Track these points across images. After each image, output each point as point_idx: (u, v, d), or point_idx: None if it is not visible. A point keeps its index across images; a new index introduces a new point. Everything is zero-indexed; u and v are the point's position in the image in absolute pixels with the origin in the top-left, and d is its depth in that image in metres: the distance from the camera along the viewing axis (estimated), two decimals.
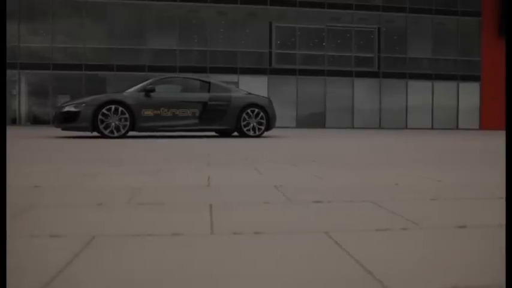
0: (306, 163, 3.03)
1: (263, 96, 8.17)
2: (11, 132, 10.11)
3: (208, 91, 7.59)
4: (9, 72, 20.71)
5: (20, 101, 21.71)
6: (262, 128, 7.69)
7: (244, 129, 7.57)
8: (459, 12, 23.92)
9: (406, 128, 23.64)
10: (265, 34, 22.87)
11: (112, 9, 22.01)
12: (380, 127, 23.51)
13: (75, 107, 6.77)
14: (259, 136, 7.72)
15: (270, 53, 22.84)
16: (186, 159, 3.22)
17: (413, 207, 1.45)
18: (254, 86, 17.97)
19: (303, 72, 22.93)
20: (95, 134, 7.96)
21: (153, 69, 21.86)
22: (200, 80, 7.88)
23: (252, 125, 7.62)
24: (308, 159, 3.40)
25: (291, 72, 22.85)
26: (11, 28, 21.22)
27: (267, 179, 2.14)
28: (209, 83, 7.70)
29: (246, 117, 7.58)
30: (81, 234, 1.04)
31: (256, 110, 7.64)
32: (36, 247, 0.94)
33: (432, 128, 23.52)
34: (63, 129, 7.09)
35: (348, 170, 2.61)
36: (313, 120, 22.80)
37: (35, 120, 21.88)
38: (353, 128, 22.96)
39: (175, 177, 2.15)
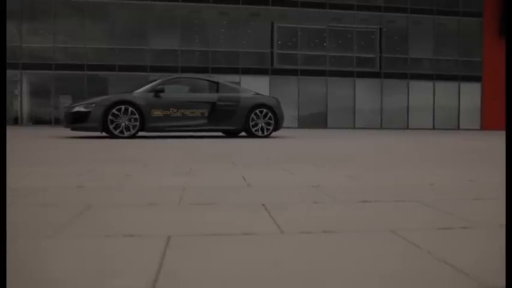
0: (329, 163, 3.04)
1: (271, 97, 8.18)
2: (18, 132, 10.10)
3: (217, 91, 7.60)
4: (11, 72, 20.68)
5: (21, 101, 21.68)
6: (271, 128, 7.71)
7: (253, 130, 7.59)
8: (460, 12, 23.98)
9: (408, 128, 23.68)
10: (267, 34, 22.88)
11: (114, 9, 21.99)
12: (381, 127, 23.54)
13: (85, 107, 6.77)
14: (267, 136, 7.73)
15: (272, 53, 22.85)
16: (209, 160, 3.22)
17: (462, 207, 1.46)
18: (256, 86, 17.96)
19: (305, 73, 22.95)
20: (103, 134, 7.97)
21: (155, 69, 21.86)
22: (208, 81, 7.89)
23: (260, 125, 7.64)
24: (328, 159, 3.41)
25: (293, 72, 22.87)
26: (13, 28, 21.20)
27: (300, 179, 2.16)
28: (217, 83, 7.71)
29: (255, 117, 7.59)
30: (155, 234, 1.05)
31: (265, 111, 7.66)
32: (118, 247, 0.95)
33: (433, 128, 23.57)
34: (73, 129, 7.09)
35: (373, 170, 2.62)
36: (314, 120, 22.82)
37: (37, 120, 21.85)
38: (354, 128, 22.98)
39: (210, 177, 2.16)
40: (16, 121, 21.51)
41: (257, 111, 7.60)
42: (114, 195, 1.60)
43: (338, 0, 23.17)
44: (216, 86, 7.68)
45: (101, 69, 21.83)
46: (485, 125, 23.91)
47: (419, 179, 2.21)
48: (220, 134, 9.43)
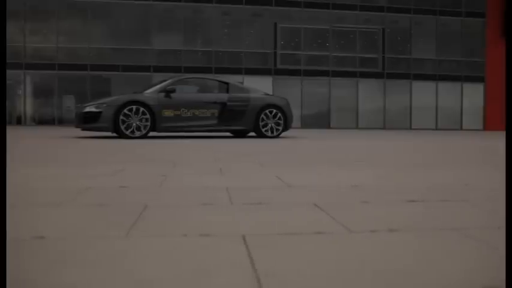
0: (353, 164, 3.05)
1: (281, 97, 8.20)
2: (26, 133, 10.10)
3: (227, 92, 7.61)
4: (14, 72, 20.69)
5: (25, 101, 21.68)
6: (280, 128, 7.72)
7: (263, 130, 7.60)
8: (463, 13, 24.00)
9: (410, 128, 23.69)
10: (270, 35, 22.90)
11: (117, 9, 22.00)
12: (384, 128, 23.56)
13: (96, 107, 6.78)
14: (276, 137, 7.74)
15: (275, 53, 22.87)
16: (232, 160, 3.24)
17: None
18: (259, 87, 17.94)
19: (308, 73, 22.97)
20: (112, 134, 7.99)
21: (158, 69, 21.87)
22: (219, 81, 7.90)
23: (270, 125, 7.65)
24: (349, 160, 3.43)
25: (296, 72, 22.89)
26: (17, 28, 21.20)
27: (335, 179, 2.17)
28: (227, 83, 7.72)
29: (265, 117, 7.60)
30: (230, 234, 1.06)
31: (274, 111, 7.67)
32: (200, 246, 0.96)
33: (436, 129, 23.59)
34: (84, 129, 7.10)
35: (400, 170, 2.63)
36: (318, 120, 22.83)
37: (40, 121, 21.85)
38: (357, 128, 23.00)
39: (245, 178, 2.18)
40: (19, 121, 21.52)
41: (267, 111, 7.61)
42: (163, 195, 1.61)
43: (341, 1, 23.19)
44: (226, 86, 7.69)
45: (104, 69, 21.83)
46: (488, 125, 23.93)
47: (452, 178, 2.23)
48: (227, 134, 9.44)
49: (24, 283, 0.72)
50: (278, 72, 22.80)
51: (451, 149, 5.21)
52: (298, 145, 5.61)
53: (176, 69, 21.67)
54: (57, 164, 2.79)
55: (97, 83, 21.77)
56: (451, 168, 2.76)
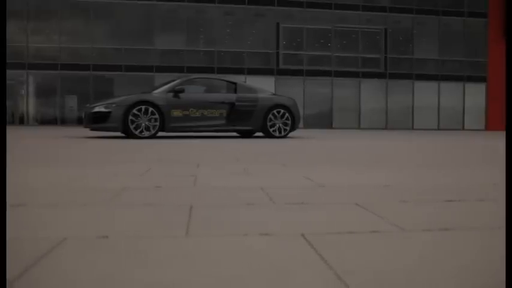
0: (372, 164, 3.07)
1: (288, 97, 8.21)
2: (32, 133, 10.11)
3: (235, 92, 7.62)
4: (17, 72, 20.70)
5: (27, 101, 21.68)
6: (288, 128, 7.74)
7: (270, 130, 7.61)
8: (465, 13, 24.03)
9: (412, 128, 23.72)
10: (272, 35, 22.92)
11: (120, 9, 22.00)
12: (386, 128, 23.58)
13: (105, 107, 6.80)
14: (284, 137, 7.76)
15: (277, 53, 22.88)
16: (253, 160, 3.25)
17: None
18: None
19: (310, 73, 22.99)
20: (119, 134, 8.01)
21: (160, 69, 21.89)
22: (227, 81, 7.92)
23: (277, 125, 7.67)
24: (366, 159, 3.44)
25: (298, 72, 22.91)
26: (19, 28, 21.21)
27: (362, 179, 2.19)
28: (235, 83, 7.73)
29: (272, 117, 7.62)
30: (289, 233, 1.08)
31: (282, 111, 7.68)
32: (264, 246, 0.98)
33: (438, 129, 23.61)
34: (92, 129, 7.11)
35: (423, 170, 2.65)
36: (320, 120, 22.84)
37: (43, 120, 21.86)
38: (359, 128, 23.02)
39: (272, 178, 2.19)
40: (22, 121, 21.52)
41: (275, 111, 7.63)
42: (203, 196, 1.63)
43: (343, 1, 23.21)
44: (234, 87, 7.70)
45: (106, 70, 21.85)
46: (490, 125, 23.96)
47: (478, 178, 2.24)
48: (233, 134, 9.46)
49: (104, 279, 0.74)
50: (280, 72, 22.82)
51: (460, 148, 5.23)
52: (308, 145, 5.62)
53: (179, 69, 21.68)
54: (80, 164, 2.80)
55: (100, 83, 21.79)
56: (472, 168, 2.77)
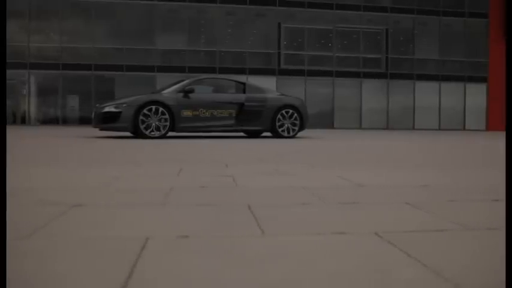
0: (394, 164, 3.10)
1: (296, 97, 8.24)
2: (35, 132, 10.10)
3: (244, 92, 7.65)
4: (18, 72, 20.66)
5: (29, 101, 21.64)
6: (296, 129, 7.77)
7: (279, 130, 7.64)
8: (466, 13, 24.11)
9: (413, 128, 23.79)
10: (273, 35, 22.94)
11: (121, 9, 21.99)
12: (387, 128, 23.64)
13: (115, 107, 6.81)
14: (292, 137, 7.79)
15: (279, 53, 22.91)
16: (276, 160, 3.28)
17: None
18: None
19: (312, 73, 23.03)
20: (128, 134, 8.02)
21: (162, 69, 21.89)
22: (235, 81, 7.94)
23: (286, 125, 7.69)
24: (385, 159, 3.47)
25: (300, 72, 22.94)
26: (21, 28, 21.18)
27: (397, 179, 2.21)
28: (244, 84, 7.76)
29: (281, 118, 7.65)
30: (361, 232, 1.11)
31: (291, 111, 7.71)
32: (342, 245, 1.00)
33: (439, 129, 23.69)
34: (102, 129, 7.12)
35: (447, 170, 2.68)
36: (321, 120, 22.84)
37: (44, 120, 21.83)
38: (360, 128, 23.07)
39: (307, 177, 2.22)
40: (23, 121, 21.48)
41: (283, 111, 7.66)
42: (253, 195, 1.65)
43: (344, 1, 23.25)
44: (242, 87, 7.73)
45: (108, 69, 21.82)
46: (491, 125, 24.05)
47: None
48: (241, 134, 9.48)
49: (213, 278, 0.76)
50: (282, 72, 22.85)
51: (472, 148, 5.26)
52: (321, 145, 5.65)
53: (180, 70, 21.70)
54: (110, 164, 2.81)
55: (101, 83, 21.76)
56: (498, 169, 2.80)
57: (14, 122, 21.22)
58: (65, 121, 21.79)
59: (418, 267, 0.83)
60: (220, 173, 2.34)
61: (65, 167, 2.62)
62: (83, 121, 21.56)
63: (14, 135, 7.93)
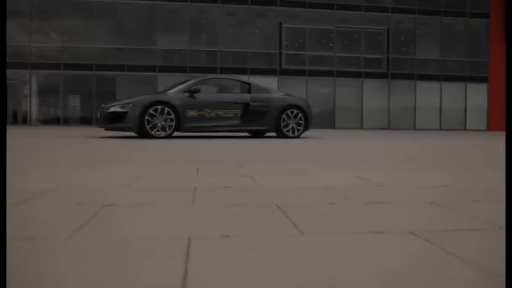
0: (407, 163, 3.11)
1: (301, 98, 8.26)
2: (41, 132, 10.10)
3: (249, 92, 7.66)
4: (20, 72, 20.66)
5: (30, 101, 21.63)
6: (301, 129, 7.78)
7: (284, 130, 7.65)
8: (467, 13, 24.14)
9: (414, 128, 23.81)
10: (275, 35, 22.95)
11: (122, 9, 21.99)
12: (388, 128, 23.66)
13: (121, 107, 6.82)
14: (297, 137, 7.80)
15: (280, 53, 22.92)
16: (288, 161, 3.29)
17: None
18: None
19: (313, 73, 23.04)
20: (132, 134, 8.03)
21: (163, 69, 21.90)
22: (241, 81, 7.95)
23: (291, 125, 7.71)
24: (397, 159, 3.49)
25: (301, 72, 22.96)
26: (22, 28, 21.17)
27: (413, 178, 2.23)
28: (249, 84, 7.77)
29: (286, 118, 7.66)
30: (397, 231, 1.12)
31: (295, 111, 7.73)
32: (382, 243, 1.02)
33: (440, 129, 23.71)
34: (107, 129, 7.13)
35: (463, 170, 2.69)
36: (323, 120, 22.84)
37: (46, 120, 21.82)
38: (362, 128, 23.09)
39: (326, 178, 2.23)
40: (25, 121, 21.48)
41: (288, 111, 7.67)
42: (277, 195, 1.66)
43: (346, 1, 23.27)
44: (247, 87, 7.74)
45: (109, 69, 21.81)
46: (492, 125, 24.09)
47: None
48: (245, 134, 9.49)
49: (270, 276, 0.78)
50: (283, 72, 22.86)
51: (479, 148, 5.28)
52: (327, 145, 5.66)
53: (181, 69, 21.71)
54: (127, 164, 2.82)
55: (103, 83, 21.76)
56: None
57: (15, 122, 21.21)
58: (66, 121, 21.79)
59: (465, 265, 0.85)
60: (237, 173, 2.35)
61: (81, 167, 2.63)
62: (84, 121, 21.58)
63: (19, 135, 7.94)
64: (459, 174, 2.45)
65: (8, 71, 19.18)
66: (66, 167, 2.63)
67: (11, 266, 0.81)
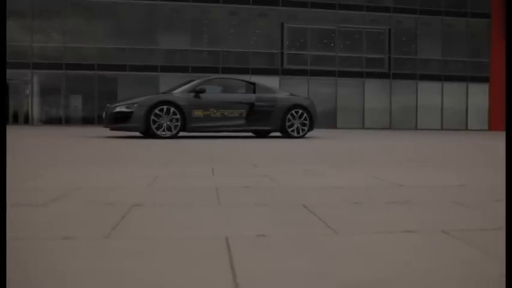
0: (420, 163, 3.13)
1: (306, 97, 8.27)
2: (45, 132, 10.12)
3: (254, 92, 7.68)
4: (21, 72, 20.68)
5: (32, 101, 21.64)
6: (306, 128, 7.79)
7: (289, 130, 7.67)
8: (469, 13, 24.16)
9: (416, 128, 23.83)
10: (276, 35, 22.97)
11: (124, 9, 22.00)
12: (390, 128, 23.68)
13: (127, 107, 6.83)
14: (302, 137, 7.81)
15: (282, 53, 22.94)
16: (300, 160, 3.30)
17: None
18: None
19: (314, 73, 23.06)
20: (137, 134, 8.04)
21: (165, 69, 21.91)
22: (246, 81, 7.97)
23: (296, 125, 7.72)
24: (410, 159, 3.50)
25: (303, 72, 22.98)
26: (24, 28, 21.19)
27: (430, 178, 2.24)
28: (254, 84, 7.78)
29: (291, 118, 7.67)
30: (429, 230, 1.13)
31: (300, 111, 7.74)
32: (418, 241, 1.03)
33: (441, 129, 23.73)
34: (113, 129, 7.15)
35: (474, 170, 2.71)
36: (324, 120, 22.81)
37: (47, 120, 21.84)
38: (363, 128, 23.10)
39: (342, 177, 2.24)
40: (26, 121, 21.49)
41: (293, 111, 7.68)
42: (300, 195, 1.67)
43: (347, 1, 23.28)
44: (252, 87, 7.75)
45: (111, 69, 21.83)
46: (493, 125, 24.10)
47: None
48: (249, 134, 9.50)
49: (319, 274, 0.79)
50: (285, 72, 22.88)
51: (485, 148, 5.30)
52: (334, 145, 5.68)
53: (183, 69, 21.73)
54: (140, 164, 2.84)
55: (104, 83, 21.77)
56: None
57: (17, 122, 21.23)
58: (67, 121, 21.81)
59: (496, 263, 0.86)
60: (253, 173, 2.36)
61: (94, 167, 2.64)
62: (86, 121, 21.60)
63: (23, 135, 7.95)
64: (472, 174, 2.46)
65: (10, 71, 19.19)
66: (79, 167, 2.64)
67: (60, 266, 0.83)
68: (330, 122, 23.07)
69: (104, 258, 0.87)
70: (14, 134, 8.07)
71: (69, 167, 2.60)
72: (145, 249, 0.94)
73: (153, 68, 21.95)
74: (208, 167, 2.65)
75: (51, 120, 21.78)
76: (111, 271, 0.80)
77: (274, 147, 5.09)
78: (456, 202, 1.55)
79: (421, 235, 1.09)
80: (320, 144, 5.97)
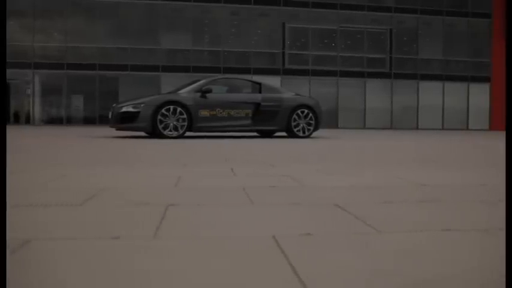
0: (434, 163, 3.15)
1: (311, 97, 8.30)
2: (48, 132, 10.12)
3: (260, 92, 7.70)
4: (23, 71, 20.68)
5: (33, 101, 21.64)
6: (311, 128, 7.82)
7: (294, 130, 7.69)
8: (470, 13, 24.20)
9: (417, 128, 23.87)
10: (278, 34, 22.99)
11: (125, 9, 22.01)
12: (391, 127, 23.72)
13: (133, 107, 6.84)
14: (307, 137, 7.83)
15: (283, 53, 22.96)
16: (312, 160, 3.32)
17: None
18: None
19: (316, 73, 23.09)
20: (143, 134, 8.06)
21: (166, 69, 21.92)
22: (251, 81, 7.99)
23: (301, 125, 7.74)
24: (423, 159, 3.52)
25: (304, 72, 23.00)
26: (25, 28, 21.19)
27: (450, 178, 2.26)
28: (260, 84, 7.80)
29: (296, 117, 7.70)
30: (470, 229, 1.15)
31: (306, 111, 7.76)
32: (458, 239, 1.05)
33: (442, 129, 23.77)
34: (119, 129, 7.16)
35: (490, 169, 2.73)
36: (326, 120, 22.82)
37: (48, 120, 21.84)
38: (364, 128, 23.14)
39: (365, 177, 2.26)
40: (28, 121, 21.49)
41: (299, 111, 7.70)
42: (329, 194, 1.69)
43: (349, 1, 23.31)
44: (258, 87, 7.77)
45: (112, 69, 21.84)
46: (494, 125, 24.15)
47: None
48: (254, 134, 9.52)
49: (376, 272, 0.81)
50: (286, 72, 22.91)
51: (491, 148, 5.32)
52: (341, 145, 5.70)
53: (185, 69, 21.74)
54: (159, 164, 2.85)
55: (106, 83, 21.78)
56: None
57: (18, 122, 21.23)
58: (69, 121, 21.81)
59: None
60: (273, 173, 2.38)
61: (110, 167, 2.66)
62: (87, 121, 21.60)
63: (26, 135, 7.95)
64: (488, 174, 2.48)
65: (11, 71, 19.20)
66: (97, 167, 2.66)
67: (119, 265, 0.84)
68: (331, 121, 23.10)
69: (160, 259, 0.88)
70: (17, 135, 8.08)
71: (88, 167, 2.62)
72: (197, 249, 0.95)
73: (154, 68, 21.97)
74: (225, 167, 2.67)
75: (53, 120, 21.79)
76: (174, 271, 0.82)
77: (282, 147, 5.11)
78: (484, 201, 1.57)
79: (462, 234, 1.11)
80: (327, 144, 5.99)
